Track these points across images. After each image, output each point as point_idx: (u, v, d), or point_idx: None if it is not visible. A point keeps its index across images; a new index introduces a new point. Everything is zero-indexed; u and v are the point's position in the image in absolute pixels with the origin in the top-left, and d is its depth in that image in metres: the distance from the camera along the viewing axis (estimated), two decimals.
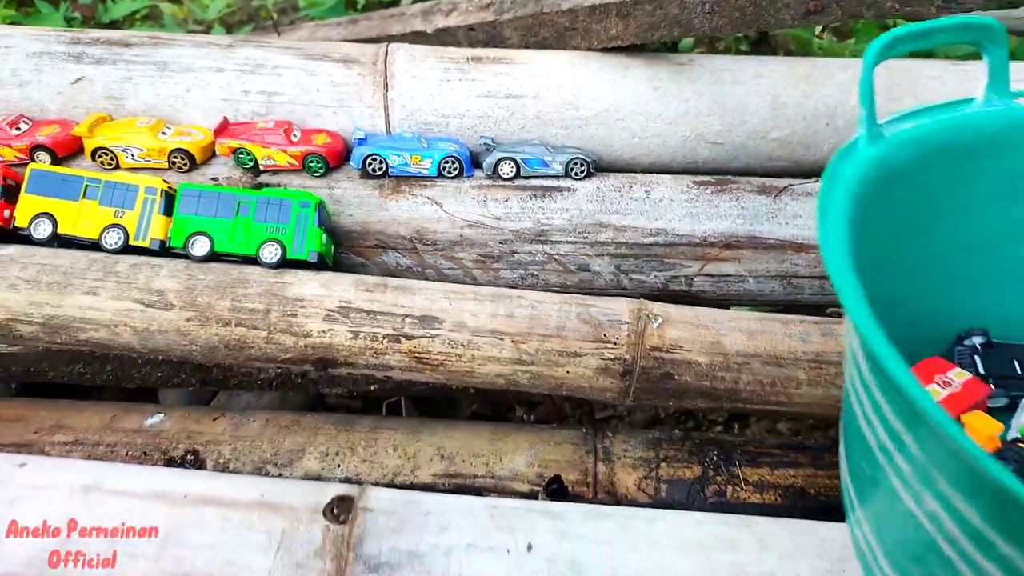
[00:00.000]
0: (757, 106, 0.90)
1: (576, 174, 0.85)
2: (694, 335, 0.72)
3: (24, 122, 0.81)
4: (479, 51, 0.90)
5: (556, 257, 0.83)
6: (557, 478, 0.73)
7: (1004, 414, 0.60)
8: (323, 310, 0.70)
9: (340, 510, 0.58)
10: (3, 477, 0.59)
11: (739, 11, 0.77)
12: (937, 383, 0.58)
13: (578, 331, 0.71)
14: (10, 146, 0.79)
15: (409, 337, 0.70)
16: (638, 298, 0.77)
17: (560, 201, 0.83)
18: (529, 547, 0.57)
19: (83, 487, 0.58)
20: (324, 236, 0.75)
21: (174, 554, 0.55)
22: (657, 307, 0.74)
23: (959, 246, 0.56)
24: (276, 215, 0.74)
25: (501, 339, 0.71)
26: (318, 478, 0.76)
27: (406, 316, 0.71)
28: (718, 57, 0.93)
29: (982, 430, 0.55)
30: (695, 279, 0.85)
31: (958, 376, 0.59)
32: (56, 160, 0.80)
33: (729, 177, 0.88)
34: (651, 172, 0.90)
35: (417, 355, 0.71)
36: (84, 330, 0.70)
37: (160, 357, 0.75)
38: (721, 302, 0.87)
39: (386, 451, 0.76)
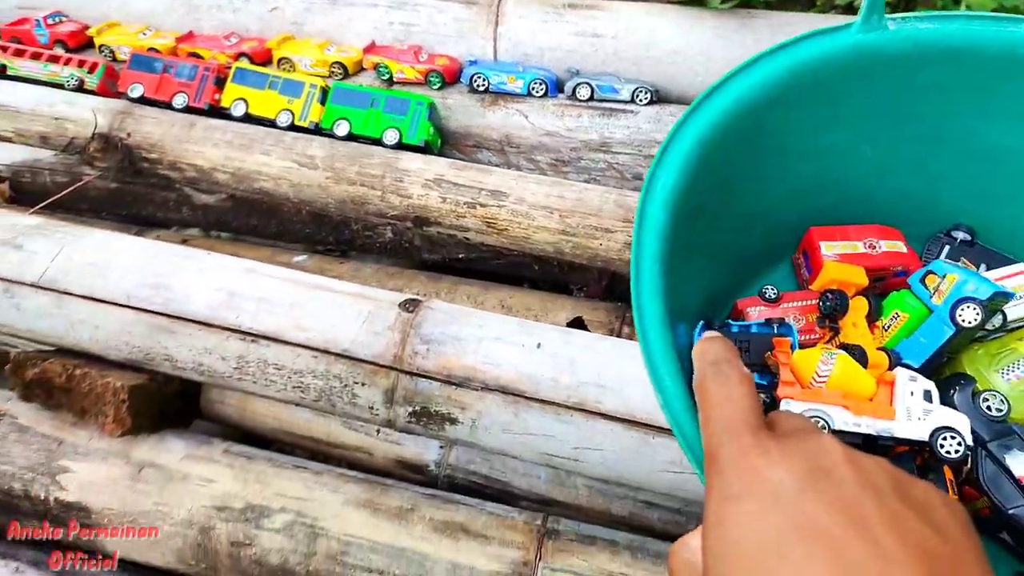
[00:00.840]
0: None
1: (640, 100, 1.03)
2: None
3: (235, 36, 1.11)
4: None
5: (615, 165, 1.02)
6: (580, 319, 0.93)
7: None
8: (422, 179, 0.94)
9: (411, 305, 0.81)
10: (195, 263, 0.87)
11: None
12: (863, 243, 0.68)
13: (613, 214, 0.91)
14: (224, 52, 1.09)
15: (483, 205, 0.93)
16: None
17: (623, 120, 1.02)
18: (539, 345, 0.78)
19: (245, 269, 0.85)
20: (432, 129, 0.99)
21: (299, 314, 0.80)
22: None
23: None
24: (398, 109, 0.99)
25: (552, 213, 0.91)
26: None
27: (482, 189, 0.93)
28: (782, 13, 1.08)
29: (832, 275, 0.60)
30: None
31: (889, 246, 0.69)
32: (252, 63, 1.10)
33: None
34: None
35: (488, 220, 0.93)
36: (258, 180, 0.98)
37: (306, 209, 1.02)
38: None
39: (462, 299, 1.00)
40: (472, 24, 1.10)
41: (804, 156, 0.61)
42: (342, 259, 1.07)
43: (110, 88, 1.09)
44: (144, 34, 1.12)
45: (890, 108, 0.63)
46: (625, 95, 1.03)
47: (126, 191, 1.14)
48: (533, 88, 1.04)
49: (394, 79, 1.07)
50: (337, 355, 0.78)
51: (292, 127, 1.01)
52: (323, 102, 1.02)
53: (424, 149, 0.99)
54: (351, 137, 1.00)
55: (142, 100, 1.04)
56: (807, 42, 0.63)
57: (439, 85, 1.06)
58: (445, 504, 0.78)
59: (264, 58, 1.11)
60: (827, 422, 0.53)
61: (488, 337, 0.79)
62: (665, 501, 0.81)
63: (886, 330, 0.69)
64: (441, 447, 0.87)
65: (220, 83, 1.04)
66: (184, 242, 1.10)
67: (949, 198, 0.74)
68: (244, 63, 1.07)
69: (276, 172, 0.97)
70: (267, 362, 0.79)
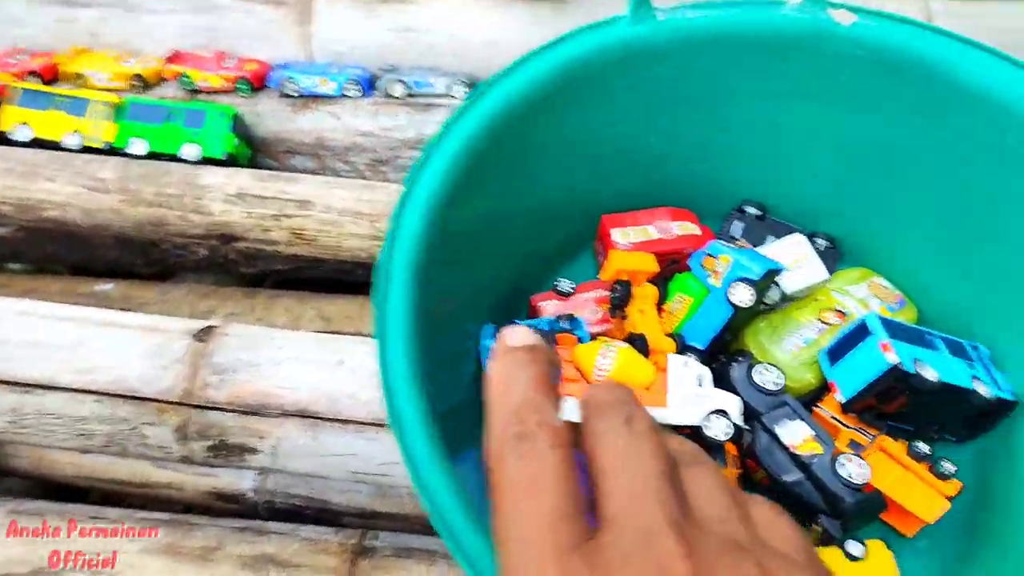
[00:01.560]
0: None
1: (455, 94, 1.00)
2: None
3: (23, 54, 1.03)
4: None
5: None
6: None
7: None
8: (223, 194, 0.89)
9: (204, 334, 0.76)
10: None
11: None
12: (654, 227, 0.66)
13: None
14: (8, 72, 1.01)
15: (289, 216, 0.88)
16: None
17: (439, 115, 0.98)
18: (341, 362, 0.74)
19: (19, 312, 0.78)
20: (236, 140, 0.94)
21: (82, 355, 0.74)
22: None
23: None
24: (197, 121, 0.93)
25: (361, 218, 0.87)
26: None
27: (288, 200, 0.88)
28: None
29: (618, 264, 0.60)
30: None
31: (681, 228, 0.67)
32: (44, 83, 1.02)
33: None
34: None
35: (295, 231, 0.88)
36: (47, 209, 0.91)
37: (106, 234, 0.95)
38: None
39: (278, 313, 0.94)
40: (280, 25, 1.04)
41: (587, 148, 0.60)
42: (155, 281, 1.00)
43: None
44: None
45: (669, 96, 0.63)
46: (440, 88, 1.00)
47: None
48: (346, 89, 1.00)
49: (199, 89, 1.00)
50: (123, 396, 0.72)
51: (85, 149, 0.94)
52: (115, 119, 0.95)
53: (230, 162, 0.93)
54: (152, 156, 0.93)
55: None
56: (576, 39, 0.61)
57: (248, 92, 1.00)
58: (256, 536, 0.73)
59: (55, 74, 1.03)
60: None
61: (287, 359, 0.74)
62: None
63: (672, 314, 0.68)
64: (257, 473, 0.83)
65: None
66: None
67: (738, 176, 0.74)
68: (29, 83, 0.99)
69: (63, 199, 0.90)
70: (45, 412, 0.72)
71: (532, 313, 0.59)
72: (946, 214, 0.56)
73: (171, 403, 0.72)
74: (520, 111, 0.51)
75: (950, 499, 0.50)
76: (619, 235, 0.73)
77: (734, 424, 0.49)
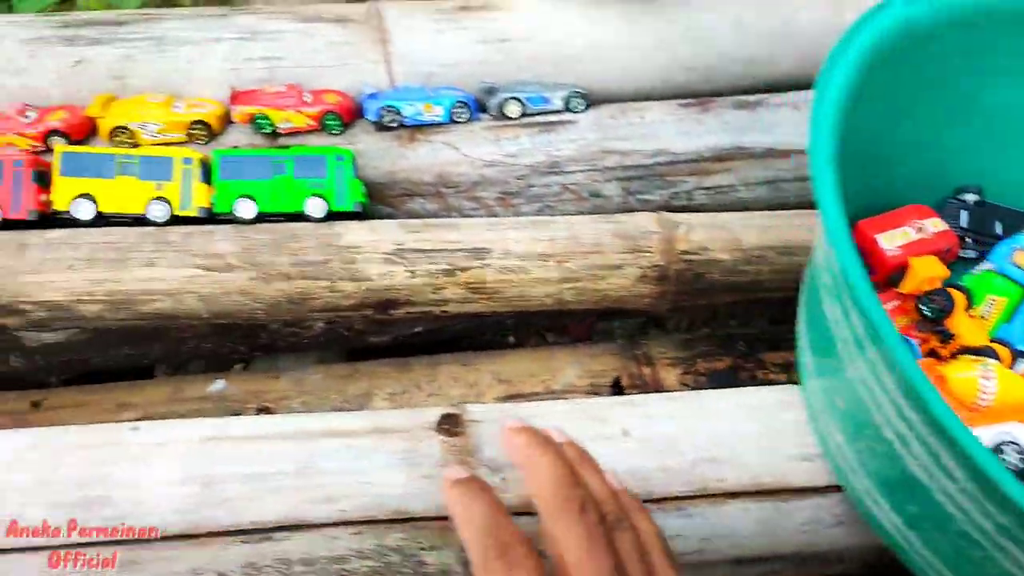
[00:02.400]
0: (723, 30, 0.98)
1: (575, 107, 0.90)
2: (716, 236, 0.80)
3: (31, 109, 0.80)
4: (463, 0, 0.94)
5: (569, 187, 0.89)
6: (617, 380, 0.80)
7: (971, 266, 0.70)
8: (379, 253, 0.75)
9: (449, 425, 0.63)
10: (122, 440, 0.61)
11: None
12: (910, 227, 0.66)
13: (614, 245, 0.78)
14: (23, 134, 0.79)
15: (464, 269, 0.75)
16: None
17: (564, 133, 0.89)
18: (624, 432, 0.64)
19: (207, 438, 0.61)
20: (363, 186, 0.79)
21: (314, 482, 0.59)
22: (678, 216, 0.82)
23: (970, 110, 0.65)
24: (314, 171, 0.77)
25: (547, 260, 0.77)
26: None
27: (457, 250, 0.76)
28: None
29: (923, 272, 0.61)
30: (694, 193, 0.92)
31: (934, 225, 0.67)
32: (72, 144, 0.80)
33: (709, 98, 0.96)
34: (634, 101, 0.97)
35: (473, 286, 0.76)
36: (149, 302, 0.72)
37: (220, 322, 0.77)
38: (718, 211, 0.96)
39: (448, 383, 0.82)
40: (354, 47, 0.89)
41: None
42: (273, 373, 0.83)
43: None
44: None
45: (929, 79, 0.64)
46: (558, 103, 0.90)
47: None
48: (455, 113, 0.87)
49: (279, 132, 0.84)
50: (388, 521, 0.58)
51: (173, 220, 0.75)
52: (207, 179, 0.76)
53: (359, 214, 0.79)
54: (261, 218, 0.76)
55: None
56: (868, 26, 0.59)
57: (339, 129, 0.85)
58: None
59: (85, 132, 0.81)
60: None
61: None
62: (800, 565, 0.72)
63: (985, 318, 0.65)
64: None
65: (42, 179, 0.74)
66: (35, 406, 0.79)
67: (956, 162, 0.74)
68: (65, 145, 0.77)
69: (173, 286, 0.72)
70: (291, 560, 0.57)
71: None
72: None
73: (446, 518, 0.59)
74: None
75: None
76: (885, 240, 0.69)
77: None
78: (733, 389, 0.71)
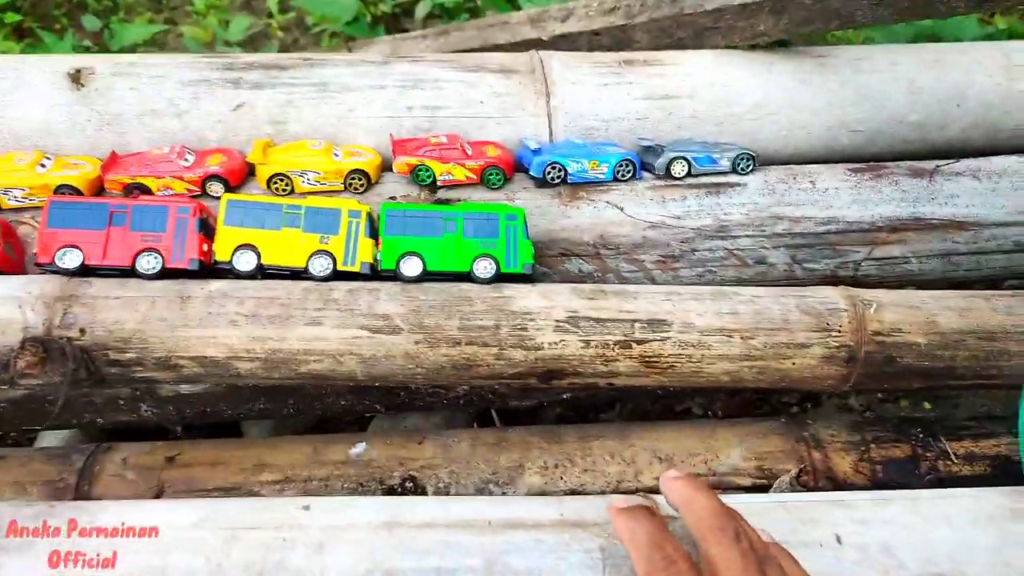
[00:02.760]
0: (895, 92, 0.93)
1: (742, 169, 0.85)
2: (910, 317, 0.74)
3: (188, 152, 0.78)
4: (628, 54, 0.90)
5: (735, 252, 0.83)
6: (801, 471, 0.74)
7: None
8: (552, 321, 0.70)
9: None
10: (295, 522, 0.56)
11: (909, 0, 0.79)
12: None
13: (801, 322, 0.72)
14: (181, 178, 0.76)
15: (640, 342, 0.70)
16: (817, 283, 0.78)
17: (735, 196, 0.84)
18: (838, 539, 0.58)
19: (383, 524, 0.56)
20: (532, 247, 0.74)
21: None
22: (865, 292, 0.75)
23: None
24: (485, 230, 0.73)
25: (730, 336, 0.71)
26: (542, 493, 0.75)
27: (633, 321, 0.70)
28: (852, 47, 0.96)
29: None
30: (862, 264, 0.86)
31: None
32: (229, 189, 0.77)
33: (880, 163, 0.90)
34: (792, 163, 0.91)
35: (648, 359, 0.70)
36: (307, 362, 0.68)
37: (372, 384, 0.73)
38: (883, 284, 0.89)
39: (603, 459, 0.76)
40: (517, 99, 0.85)
41: None
42: (417, 436, 0.78)
43: (13, 259, 0.71)
44: (43, 165, 0.75)
45: None
46: (725, 165, 0.85)
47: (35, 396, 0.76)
48: (619, 171, 0.83)
49: (439, 184, 0.80)
50: None
51: (334, 275, 0.71)
52: (372, 234, 0.73)
53: (526, 277, 0.74)
54: (425, 277, 0.72)
55: (84, 271, 0.69)
56: None
57: (500, 183, 0.81)
58: None
59: (243, 178, 0.79)
60: None
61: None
62: None
63: None
64: None
65: (205, 227, 0.71)
66: (170, 461, 0.75)
67: None
68: (225, 191, 0.75)
69: (336, 347, 0.67)
70: None
71: None
72: None
73: None
74: None
75: None
76: None
77: None
78: (951, 490, 0.64)
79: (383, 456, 0.76)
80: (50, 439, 0.92)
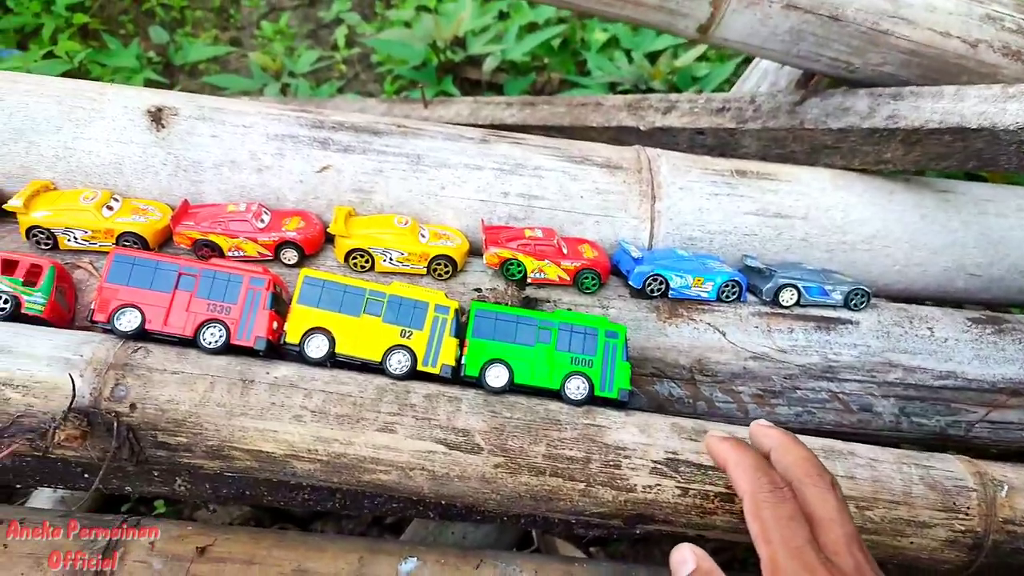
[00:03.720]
0: (1021, 240, 0.86)
1: (855, 305, 0.78)
2: None
3: (265, 211, 0.72)
4: (740, 163, 0.84)
5: (840, 396, 0.76)
6: None
7: None
8: (649, 462, 0.62)
9: None
10: None
11: None
12: None
13: (925, 498, 0.64)
14: (255, 240, 0.70)
15: None
16: (924, 445, 0.70)
17: (846, 336, 0.76)
18: None
19: None
20: (630, 370, 0.67)
21: None
22: (994, 468, 0.67)
23: None
24: (582, 345, 0.66)
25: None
26: None
27: None
28: (978, 186, 0.89)
29: None
30: (976, 425, 0.78)
31: None
32: (303, 258, 0.71)
33: (1001, 316, 0.83)
34: (900, 299, 0.84)
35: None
36: (373, 471, 0.60)
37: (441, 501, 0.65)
38: (992, 448, 0.81)
39: None
40: (621, 198, 0.79)
41: None
42: (473, 559, 0.70)
43: (64, 309, 0.65)
44: (110, 208, 0.69)
45: None
46: (837, 298, 0.78)
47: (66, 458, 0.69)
48: (723, 292, 0.76)
49: (528, 280, 0.73)
50: None
51: (412, 373, 0.64)
52: (458, 333, 0.66)
53: (621, 402, 0.66)
54: (511, 390, 0.65)
55: (142, 335, 0.62)
56: None
57: (595, 288, 0.74)
58: None
59: (317, 247, 0.72)
60: None
61: None
62: None
63: None
64: None
65: (278, 303, 0.64)
66: (201, 552, 0.67)
67: None
68: (313, 270, 0.68)
69: (406, 459, 0.60)
70: None
71: None
72: None
73: None
74: None
75: None
76: None
77: None
78: None
79: (433, 574, 0.67)
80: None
